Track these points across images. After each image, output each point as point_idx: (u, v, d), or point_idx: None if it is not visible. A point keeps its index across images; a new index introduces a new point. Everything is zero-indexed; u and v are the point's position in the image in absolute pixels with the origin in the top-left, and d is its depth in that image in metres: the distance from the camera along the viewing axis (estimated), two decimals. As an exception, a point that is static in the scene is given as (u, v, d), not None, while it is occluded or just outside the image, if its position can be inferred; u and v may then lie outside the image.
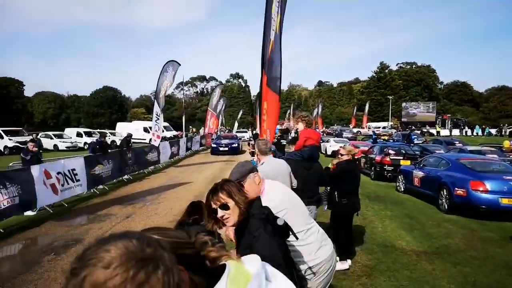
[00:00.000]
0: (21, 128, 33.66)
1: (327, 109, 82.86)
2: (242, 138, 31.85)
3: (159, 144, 18.23)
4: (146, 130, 40.02)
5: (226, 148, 25.39)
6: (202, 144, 31.29)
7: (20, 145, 26.27)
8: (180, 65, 18.00)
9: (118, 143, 27.76)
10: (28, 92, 75.15)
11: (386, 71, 77.95)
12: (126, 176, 14.37)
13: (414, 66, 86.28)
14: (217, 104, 34.47)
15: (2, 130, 28.18)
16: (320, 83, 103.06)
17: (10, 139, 27.17)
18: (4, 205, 7.43)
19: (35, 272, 5.46)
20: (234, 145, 25.66)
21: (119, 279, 0.62)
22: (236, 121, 57.28)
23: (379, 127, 53.06)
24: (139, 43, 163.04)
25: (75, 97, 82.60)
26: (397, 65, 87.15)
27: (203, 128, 37.46)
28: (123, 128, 39.73)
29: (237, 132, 42.77)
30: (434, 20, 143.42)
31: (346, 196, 5.51)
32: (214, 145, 26.27)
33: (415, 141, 26.21)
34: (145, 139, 37.26)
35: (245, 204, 2.03)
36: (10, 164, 10.67)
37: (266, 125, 5.09)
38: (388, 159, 14.19)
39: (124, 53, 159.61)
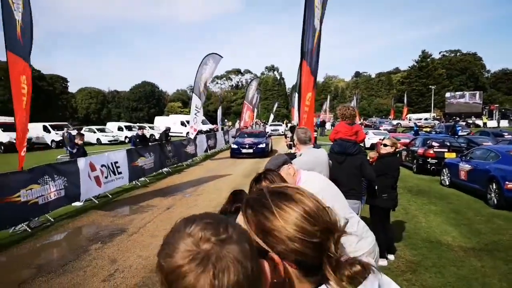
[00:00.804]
0: (66, 123, 35.36)
1: (364, 100, 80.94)
2: (276, 132, 30.62)
3: (195, 137, 18.53)
4: (183, 124, 40.86)
5: (251, 150, 19.38)
6: (238, 137, 31.49)
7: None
8: (222, 57, 18.02)
9: (157, 136, 28.64)
10: (72, 88, 78.66)
11: (428, 60, 74.81)
12: (165, 169, 14.72)
13: (458, 54, 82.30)
14: (253, 97, 34.54)
15: (49, 125, 29.75)
16: (357, 74, 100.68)
17: (56, 133, 28.62)
18: (53, 197, 7.82)
19: (84, 259, 5.72)
20: (261, 145, 19.66)
21: (175, 276, 0.65)
22: (271, 114, 57.21)
23: (420, 119, 51.16)
24: (175, 37, 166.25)
25: (115, 92, 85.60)
26: (440, 53, 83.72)
27: (238, 121, 37.72)
28: (161, 122, 40.80)
29: (271, 125, 42.45)
30: (480, 4, 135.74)
31: (386, 191, 5.33)
32: (235, 146, 20.26)
33: (460, 133, 25.04)
34: (182, 133, 38.07)
35: None
36: (58, 157, 11.23)
37: (307, 116, 5.00)
38: (431, 151, 13.61)
39: (161, 48, 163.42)
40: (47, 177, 7.71)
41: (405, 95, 58.07)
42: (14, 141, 22.96)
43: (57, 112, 58.72)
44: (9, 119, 26.77)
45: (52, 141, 28.37)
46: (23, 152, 7.47)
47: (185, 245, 0.66)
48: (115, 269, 5.30)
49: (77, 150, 9.74)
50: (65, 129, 16.76)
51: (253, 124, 41.04)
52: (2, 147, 25.02)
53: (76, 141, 10.02)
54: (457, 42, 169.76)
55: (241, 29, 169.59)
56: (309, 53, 4.84)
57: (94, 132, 32.47)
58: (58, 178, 8.03)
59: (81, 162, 8.88)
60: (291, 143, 8.13)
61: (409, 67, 78.66)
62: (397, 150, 5.49)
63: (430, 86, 63.71)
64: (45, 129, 29.26)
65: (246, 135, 21.77)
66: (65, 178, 8.28)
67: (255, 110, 50.16)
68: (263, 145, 19.81)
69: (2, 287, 4.82)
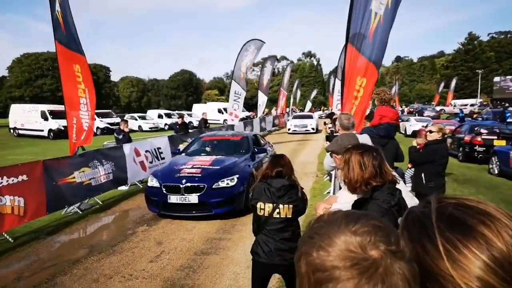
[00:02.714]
0: (110, 111, 36.81)
1: (406, 86, 78.07)
2: (304, 128, 26.00)
3: (234, 124, 18.68)
4: (220, 111, 41.36)
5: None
6: (275, 124, 31.40)
7: (110, 126, 28.84)
8: (264, 43, 17.91)
9: (195, 124, 29.19)
10: (114, 77, 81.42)
11: (475, 42, 70.62)
12: (204, 155, 14.99)
13: (509, 35, 77.02)
14: (288, 84, 34.32)
15: (95, 113, 31.05)
16: (398, 59, 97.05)
17: (101, 121, 29.87)
18: (102, 180, 8.23)
19: (131, 241, 5.99)
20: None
21: (327, 276, 0.56)
22: (308, 101, 56.52)
23: (465, 105, 48.64)
24: (212, 25, 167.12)
25: (154, 80, 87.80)
26: (488, 35, 78.85)
27: (274, 108, 37.60)
28: (198, 110, 41.46)
29: (295, 117, 30.14)
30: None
31: (433, 179, 5.15)
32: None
33: (510, 119, 23.59)
34: (219, 120, 38.56)
35: (362, 182, 1.96)
36: (104, 143, 11.71)
37: (358, 103, 4.88)
38: (479, 139, 12.94)
39: (198, 36, 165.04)
40: (96, 161, 8.14)
41: (453, 80, 55.27)
42: (63, 128, 24.31)
43: (101, 100, 61.13)
44: (58, 107, 28.24)
45: (97, 128, 29.65)
46: (75, 138, 7.86)
47: (348, 244, 0.56)
48: (161, 251, 5.51)
49: (122, 136, 10.14)
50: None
51: (289, 111, 40.79)
52: (52, 134, 26.44)
53: (121, 127, 10.42)
54: (507, 23, 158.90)
55: (278, 15, 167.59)
56: (360, 37, 4.69)
57: (136, 120, 33.63)
58: (106, 163, 8.46)
59: (127, 148, 9.26)
60: (333, 129, 7.96)
61: (454, 50, 74.74)
62: (445, 136, 5.27)
63: (477, 70, 60.22)
64: (91, 116, 30.62)
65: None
66: (113, 162, 8.69)
67: (291, 97, 49.85)
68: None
69: (58, 266, 5.14)
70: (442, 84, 58.51)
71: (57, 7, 7.11)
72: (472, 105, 48.58)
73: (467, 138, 13.37)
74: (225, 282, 4.46)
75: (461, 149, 13.67)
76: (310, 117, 28.57)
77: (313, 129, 26.19)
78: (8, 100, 54.05)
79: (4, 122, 35.22)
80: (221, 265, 4.95)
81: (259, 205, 2.97)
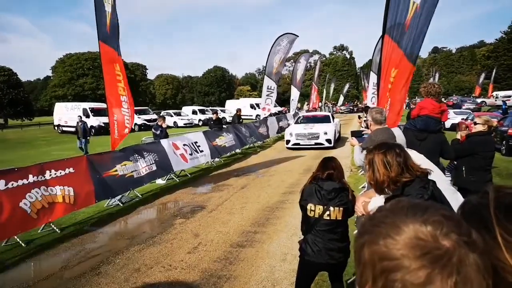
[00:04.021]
0: (147, 108, 37.94)
1: (444, 78, 75.03)
2: (315, 139, 15.17)
3: (265, 119, 18.72)
4: (252, 106, 41.58)
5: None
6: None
7: (147, 122, 29.75)
8: (297, 36, 17.80)
9: (228, 119, 29.51)
10: (150, 75, 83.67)
11: (520, 30, 66.61)
12: (238, 150, 15.18)
13: (558, 21, 72.06)
14: (319, 78, 33.96)
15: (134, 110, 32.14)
16: (435, 50, 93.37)
17: (139, 117, 30.86)
18: (144, 172, 8.55)
19: (170, 232, 6.20)
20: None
21: (395, 264, 0.53)
22: (341, 95, 55.62)
23: (509, 96, 46.06)
24: (244, 21, 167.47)
25: (188, 78, 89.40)
26: (534, 22, 73.88)
27: (306, 103, 37.32)
28: (231, 105, 41.86)
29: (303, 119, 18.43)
30: None
31: (474, 173, 4.95)
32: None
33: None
34: (251, 115, 38.76)
35: (389, 181, 1.95)
36: (143, 139, 12.13)
37: (389, 94, 4.78)
38: (524, 131, 12.30)
39: (230, 32, 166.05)
40: (137, 155, 8.49)
41: (494, 70, 52.48)
42: (103, 125, 25.29)
43: (138, 98, 63.01)
44: (99, 105, 29.43)
45: (135, 124, 30.68)
46: (117, 134, 8.21)
47: (417, 232, 0.54)
48: (198, 243, 5.66)
49: (160, 132, 10.47)
50: (79, 118, 16.97)
51: (321, 106, 40.32)
52: (93, 130, 27.59)
53: (159, 123, 10.79)
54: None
55: (308, 8, 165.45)
56: (397, 27, 4.58)
57: (172, 116, 34.52)
58: (147, 156, 8.82)
59: (165, 143, 9.59)
60: (366, 123, 7.80)
61: (496, 39, 70.80)
62: (491, 128, 5.04)
63: (522, 60, 56.93)
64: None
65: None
66: (154, 155, 9.04)
67: (324, 91, 49.21)
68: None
69: (102, 255, 5.41)
70: (483, 75, 55.68)
71: (107, 8, 7.41)
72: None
73: (511, 131, 12.72)
74: (261, 275, 4.53)
75: (504, 142, 13.03)
76: (326, 119, 16.82)
77: (329, 141, 15.11)
78: (53, 98, 56.91)
79: (49, 120, 37.12)
80: (257, 257, 5.03)
81: (310, 206, 3.01)
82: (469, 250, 0.53)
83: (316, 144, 14.97)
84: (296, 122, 17.31)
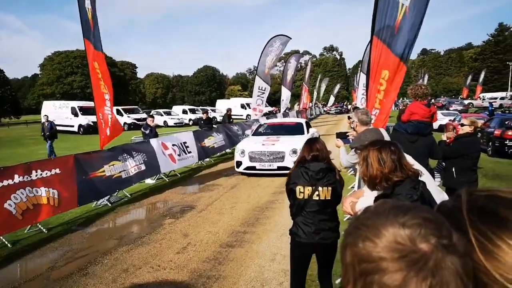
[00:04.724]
0: (136, 107, 37.68)
1: (432, 79, 75.99)
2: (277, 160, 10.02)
3: (258, 119, 18.73)
4: (243, 106, 41.59)
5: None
6: (298, 119, 31.38)
7: (137, 122, 29.54)
8: (290, 38, 17.92)
9: (218, 119, 29.47)
10: (140, 74, 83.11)
11: (506, 33, 67.88)
12: (228, 150, 15.15)
13: (543, 25, 73.44)
14: (309, 78, 34.11)
15: (122, 109, 31.86)
16: (424, 51, 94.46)
17: (128, 117, 30.62)
18: (133, 172, 8.46)
19: (159, 233, 6.16)
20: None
21: (373, 267, 0.55)
22: (331, 95, 55.95)
23: (495, 98, 46.83)
24: (234, 22, 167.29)
25: (179, 77, 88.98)
26: (520, 25, 75.12)
27: (297, 103, 37.48)
28: (222, 105, 41.80)
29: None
30: None
31: (464, 174, 5.04)
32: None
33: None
34: (242, 115, 38.75)
35: (382, 178, 1.97)
36: (132, 138, 12.05)
37: (383, 96, 4.82)
38: (510, 133, 12.53)
39: (221, 33, 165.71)
40: (126, 155, 8.39)
41: (482, 72, 53.32)
42: (92, 124, 25.03)
43: (128, 97, 62.51)
44: (87, 103, 29.12)
45: (125, 123, 30.45)
46: (106, 133, 8.12)
47: (396, 236, 0.55)
48: (187, 243, 5.64)
49: (149, 131, 10.39)
50: (45, 117, 15.67)
51: (311, 106, 40.51)
52: (82, 129, 27.31)
53: (148, 122, 10.69)
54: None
55: (299, 9, 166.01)
56: (386, 29, 4.62)
57: (162, 115, 34.36)
58: (136, 155, 8.73)
59: (154, 142, 9.51)
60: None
61: (483, 42, 72.20)
62: (477, 129, 5.13)
63: (507, 62, 57.95)
64: (118, 112, 31.42)
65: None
66: (143, 155, 8.95)
67: (315, 92, 49.47)
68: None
69: (90, 256, 5.35)
70: (470, 77, 56.58)
71: (87, 4, 7.33)
72: (502, 98, 46.71)
73: (497, 132, 12.96)
74: (250, 274, 4.53)
75: (490, 143, 13.26)
76: (298, 129, 11.83)
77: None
78: (41, 97, 56.14)
79: (37, 118, 36.58)
80: (246, 257, 5.03)
81: (298, 188, 3.03)
82: (448, 253, 0.53)
83: (279, 168, 9.84)
84: (255, 133, 12.07)
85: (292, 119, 17.87)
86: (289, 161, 9.56)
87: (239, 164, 10.33)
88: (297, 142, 9.94)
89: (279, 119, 16.34)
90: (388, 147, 2.06)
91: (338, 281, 3.21)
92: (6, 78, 57.23)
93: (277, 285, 4.23)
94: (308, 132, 11.42)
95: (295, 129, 11.77)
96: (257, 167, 10.11)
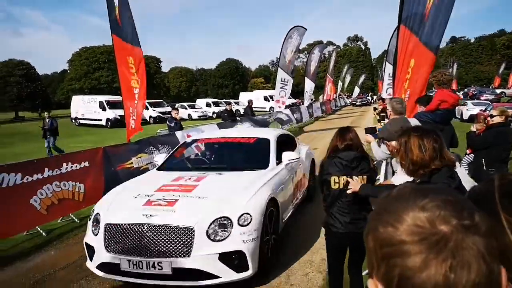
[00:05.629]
0: (161, 100, 38.26)
1: (462, 68, 73.44)
2: None
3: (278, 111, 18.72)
4: (266, 99, 41.46)
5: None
6: (323, 111, 31.42)
7: (162, 115, 30.03)
8: (306, 29, 17.88)
9: (242, 111, 29.56)
10: (164, 68, 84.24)
11: (543, 18, 64.57)
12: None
13: None
14: (333, 69, 33.70)
15: (147, 102, 32.44)
16: (453, 39, 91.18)
17: (153, 110, 31.17)
18: (158, 164, 8.60)
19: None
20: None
21: (394, 250, 0.55)
22: (356, 87, 55.00)
23: (529, 87, 44.85)
24: (256, 13, 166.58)
25: (202, 70, 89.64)
26: (558, 9, 71.49)
27: (322, 94, 37.11)
28: (245, 98, 41.81)
29: None
30: None
31: (494, 165, 4.87)
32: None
33: None
34: (265, 108, 38.68)
35: (422, 164, 1.96)
36: (158, 131, 12.29)
37: (408, 85, 4.72)
38: (545, 123, 11.98)
39: (242, 25, 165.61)
40: (152, 147, 8.59)
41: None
42: (119, 118, 25.58)
43: (152, 91, 63.52)
44: (114, 98, 29.83)
45: (150, 117, 31.01)
46: (132, 126, 8.31)
47: (415, 219, 0.55)
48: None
49: (174, 124, 10.58)
50: (46, 114, 14.40)
51: (336, 97, 39.97)
52: (109, 123, 28.01)
53: (173, 115, 10.88)
54: None
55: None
56: (414, 17, 4.49)
57: (186, 109, 34.75)
58: (162, 148, 8.91)
59: (179, 135, 9.69)
60: (383, 114, 7.61)
61: (518, 28, 68.87)
62: (508, 119, 4.95)
63: (544, 49, 55.20)
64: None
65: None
66: (168, 148, 9.12)
67: (339, 82, 48.72)
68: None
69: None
70: (503, 65, 54.24)
71: (116, 1, 7.48)
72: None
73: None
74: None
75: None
76: (257, 156, 5.48)
77: (239, 267, 3.69)
78: (70, 92, 57.91)
79: (67, 113, 37.80)
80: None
81: (333, 179, 3.00)
82: (469, 233, 0.53)
83: (177, 275, 3.62)
84: (160, 167, 6.00)
85: (251, 131, 8.72)
86: (213, 264, 3.61)
87: (90, 251, 4.15)
88: (245, 193, 4.10)
89: (221, 135, 7.70)
90: (431, 135, 2.03)
91: (364, 272, 3.20)
92: (37, 74, 59.22)
93: (302, 275, 4.25)
94: (282, 160, 5.29)
95: (252, 156, 5.74)
96: (122, 268, 3.77)
